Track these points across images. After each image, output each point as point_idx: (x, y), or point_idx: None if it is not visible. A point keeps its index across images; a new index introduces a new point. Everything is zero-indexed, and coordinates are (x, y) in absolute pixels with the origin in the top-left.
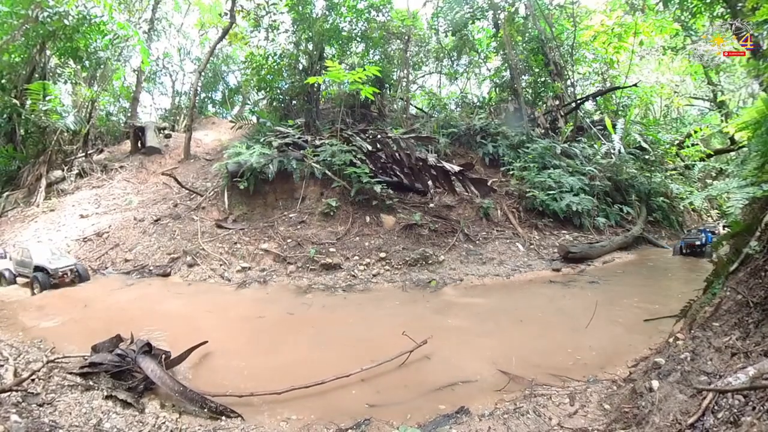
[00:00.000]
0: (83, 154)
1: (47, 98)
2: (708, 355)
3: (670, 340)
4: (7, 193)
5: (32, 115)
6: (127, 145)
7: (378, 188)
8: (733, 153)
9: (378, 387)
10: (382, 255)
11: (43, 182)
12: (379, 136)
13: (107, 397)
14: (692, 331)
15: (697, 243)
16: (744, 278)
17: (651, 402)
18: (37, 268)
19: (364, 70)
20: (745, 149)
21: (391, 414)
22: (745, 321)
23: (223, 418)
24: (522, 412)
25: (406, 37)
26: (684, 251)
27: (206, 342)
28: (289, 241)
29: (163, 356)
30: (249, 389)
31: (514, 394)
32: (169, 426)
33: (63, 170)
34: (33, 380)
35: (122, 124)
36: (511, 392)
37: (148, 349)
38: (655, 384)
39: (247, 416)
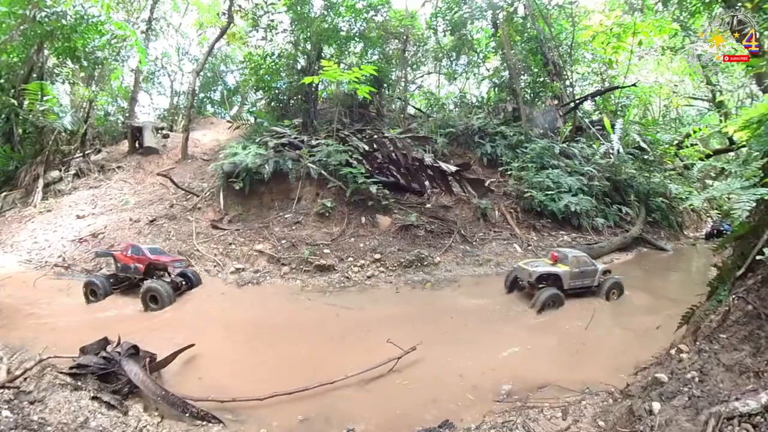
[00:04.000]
0: (81, 154)
1: (45, 98)
2: (718, 376)
3: (672, 351)
4: (4, 193)
5: (30, 115)
6: (124, 145)
7: (374, 188)
8: (732, 153)
9: (362, 395)
10: (377, 256)
11: (41, 182)
12: (375, 136)
13: (94, 398)
14: (697, 343)
15: (722, 229)
16: (755, 287)
17: (650, 426)
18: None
19: (361, 69)
20: (744, 149)
21: (374, 424)
22: (757, 334)
23: (205, 423)
24: (510, 427)
25: (405, 37)
26: (713, 234)
27: (193, 345)
28: (283, 242)
29: (148, 359)
30: (233, 393)
31: (504, 405)
32: (150, 429)
33: (60, 170)
34: (25, 378)
35: (120, 124)
36: (500, 403)
37: (135, 352)
38: (656, 406)
39: (229, 422)
